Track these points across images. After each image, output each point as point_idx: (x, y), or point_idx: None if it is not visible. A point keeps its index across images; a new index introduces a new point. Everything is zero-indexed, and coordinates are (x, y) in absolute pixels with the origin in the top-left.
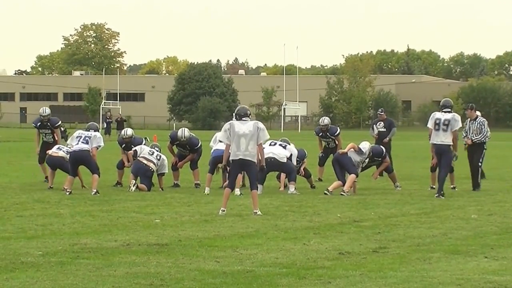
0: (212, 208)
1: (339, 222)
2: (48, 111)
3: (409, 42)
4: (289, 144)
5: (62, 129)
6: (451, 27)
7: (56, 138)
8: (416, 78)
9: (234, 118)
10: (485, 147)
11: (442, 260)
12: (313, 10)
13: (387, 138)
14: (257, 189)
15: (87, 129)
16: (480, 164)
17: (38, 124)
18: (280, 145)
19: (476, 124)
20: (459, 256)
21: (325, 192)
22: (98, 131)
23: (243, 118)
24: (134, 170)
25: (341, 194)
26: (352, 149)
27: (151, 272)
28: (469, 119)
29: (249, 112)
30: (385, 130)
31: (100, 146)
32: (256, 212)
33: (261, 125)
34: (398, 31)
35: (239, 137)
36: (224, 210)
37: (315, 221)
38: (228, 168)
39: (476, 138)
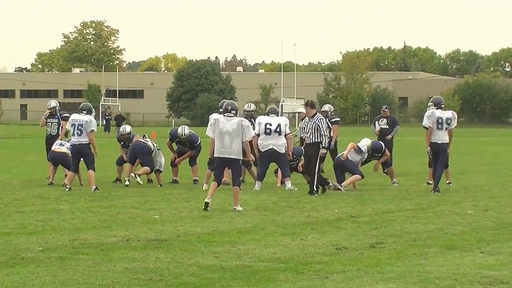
0: (210, 204)
1: (336, 218)
2: (53, 103)
3: (406, 39)
4: (277, 115)
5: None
6: (447, 24)
7: (60, 132)
8: (413, 74)
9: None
10: (321, 147)
11: (438, 255)
12: (310, 8)
13: (390, 136)
14: (239, 186)
15: (80, 110)
16: (316, 167)
17: (47, 115)
18: (275, 131)
19: (312, 123)
20: (455, 251)
21: (339, 188)
22: (91, 112)
23: (225, 114)
24: (131, 149)
25: (338, 189)
26: (352, 149)
27: (150, 267)
28: (306, 117)
29: (235, 107)
30: (387, 127)
31: (93, 130)
32: (235, 209)
33: (245, 122)
34: (394, 28)
35: (223, 134)
36: (209, 199)
37: (313, 217)
38: (213, 162)
39: (310, 138)
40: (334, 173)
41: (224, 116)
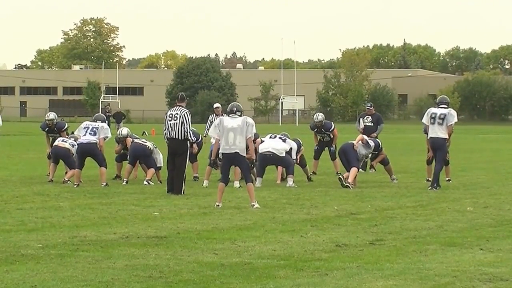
0: (210, 201)
1: (336, 215)
2: (52, 116)
3: (406, 36)
4: (288, 138)
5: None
6: (447, 21)
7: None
8: (412, 72)
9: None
10: (188, 146)
11: (438, 252)
12: (310, 5)
13: (375, 134)
14: (252, 182)
15: (94, 120)
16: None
17: (46, 129)
18: (280, 138)
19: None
20: (455, 248)
21: (347, 185)
22: (106, 122)
23: (230, 115)
24: (132, 152)
25: (346, 186)
26: (360, 142)
27: (150, 264)
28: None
29: (240, 109)
30: (372, 125)
31: (107, 137)
32: (253, 205)
33: (250, 120)
34: (394, 25)
35: (228, 131)
36: (219, 205)
37: (313, 214)
38: (217, 162)
39: (177, 135)
40: (340, 160)
41: (229, 116)
